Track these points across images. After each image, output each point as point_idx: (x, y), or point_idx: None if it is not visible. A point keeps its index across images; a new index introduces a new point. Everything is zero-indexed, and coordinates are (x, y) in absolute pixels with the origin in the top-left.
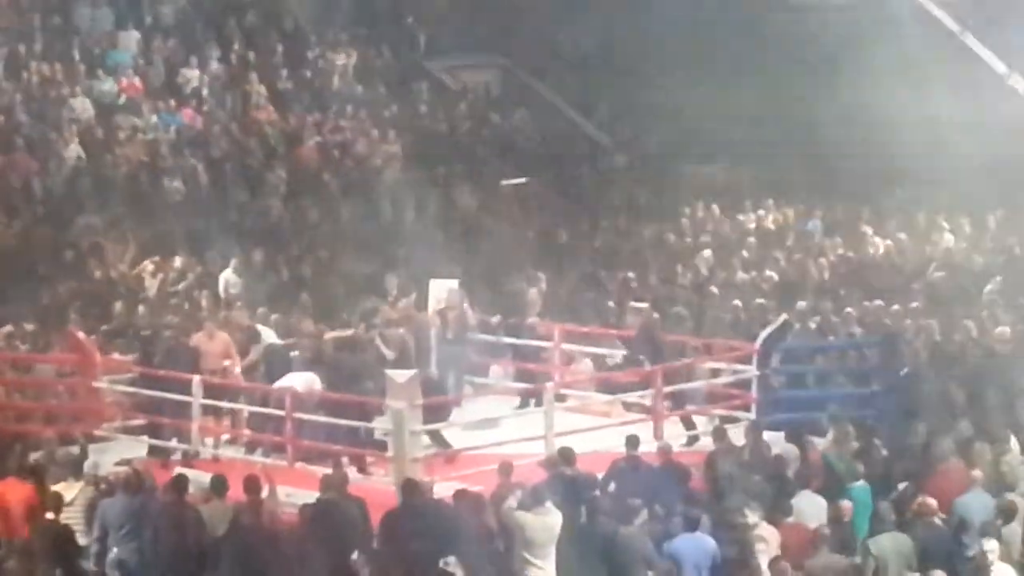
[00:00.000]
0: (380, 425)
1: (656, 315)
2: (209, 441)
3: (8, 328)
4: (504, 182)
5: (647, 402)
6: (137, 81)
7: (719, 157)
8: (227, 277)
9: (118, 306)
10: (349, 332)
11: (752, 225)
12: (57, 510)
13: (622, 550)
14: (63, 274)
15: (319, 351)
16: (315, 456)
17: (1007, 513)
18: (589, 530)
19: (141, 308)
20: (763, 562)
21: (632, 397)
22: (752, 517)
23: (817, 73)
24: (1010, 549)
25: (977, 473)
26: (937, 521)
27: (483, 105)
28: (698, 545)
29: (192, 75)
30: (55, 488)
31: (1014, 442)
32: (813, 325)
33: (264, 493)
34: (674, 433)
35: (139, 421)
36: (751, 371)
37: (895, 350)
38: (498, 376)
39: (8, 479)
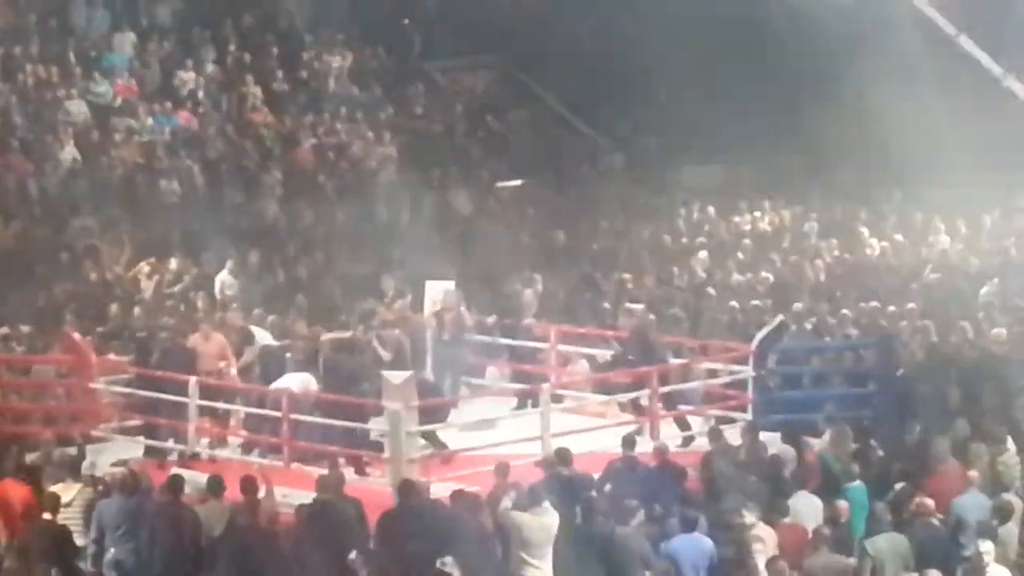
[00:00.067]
0: (376, 426)
1: (652, 316)
2: (205, 442)
3: (4, 330)
4: (500, 184)
5: (643, 403)
6: (133, 83)
7: (716, 158)
8: (223, 278)
9: (114, 308)
10: (346, 333)
11: (748, 227)
12: (54, 511)
13: (619, 550)
14: (59, 276)
15: (313, 352)
16: (311, 457)
17: (1004, 513)
18: (586, 530)
19: (137, 310)
20: (760, 562)
21: (628, 398)
22: (749, 517)
23: (814, 75)
24: (1006, 549)
25: (974, 473)
26: (934, 522)
27: (479, 106)
28: (695, 545)
29: (188, 77)
30: (53, 489)
31: (1010, 443)
32: (809, 326)
33: (261, 494)
34: (670, 433)
35: (135, 422)
36: (747, 372)
37: (891, 351)
38: (495, 377)
39: (5, 480)
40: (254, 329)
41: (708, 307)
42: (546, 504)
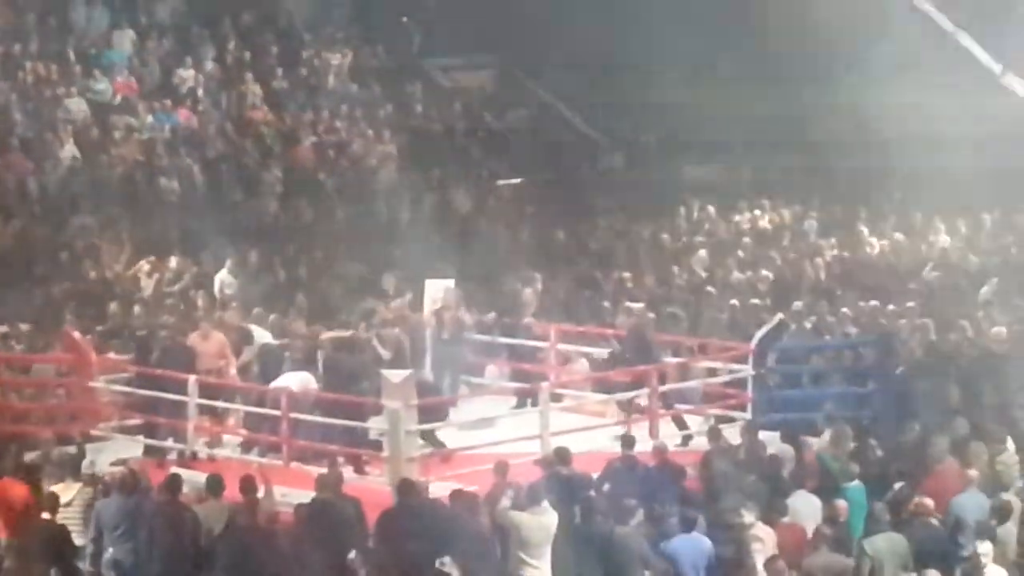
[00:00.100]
0: (375, 425)
1: (652, 315)
2: (204, 441)
3: (3, 328)
4: (500, 182)
5: (642, 402)
6: (132, 81)
7: (715, 157)
8: (222, 277)
9: (113, 306)
10: (345, 332)
11: (747, 225)
12: (53, 510)
13: (619, 550)
14: (59, 274)
15: (311, 351)
16: (310, 456)
17: (1003, 513)
18: (585, 530)
19: (137, 308)
20: (759, 562)
21: (626, 397)
22: (748, 517)
23: (814, 73)
24: (1005, 549)
25: (973, 473)
26: (933, 521)
27: (478, 105)
28: (695, 545)
29: (187, 75)
30: (53, 488)
31: (1010, 442)
32: (809, 325)
33: (260, 493)
34: (669, 432)
35: (135, 421)
36: (747, 371)
37: (891, 350)
38: (494, 376)
39: (4, 479)
40: (253, 328)
41: (708, 306)
42: (545, 503)
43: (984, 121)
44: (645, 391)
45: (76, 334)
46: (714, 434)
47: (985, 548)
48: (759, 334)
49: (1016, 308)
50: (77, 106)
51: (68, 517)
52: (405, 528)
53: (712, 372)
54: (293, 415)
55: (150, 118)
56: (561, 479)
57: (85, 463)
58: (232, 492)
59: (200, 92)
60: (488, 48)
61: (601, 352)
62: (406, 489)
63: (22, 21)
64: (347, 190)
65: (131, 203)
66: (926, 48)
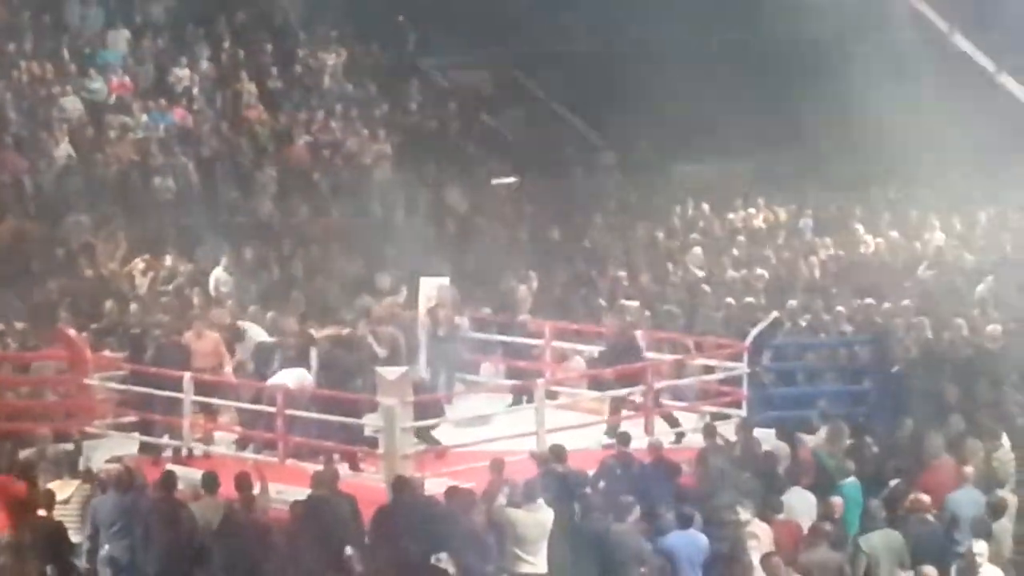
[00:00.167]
0: (371, 422)
1: (647, 313)
2: (200, 438)
3: None
4: (495, 181)
5: (636, 399)
6: (127, 80)
7: (710, 155)
8: (217, 275)
9: (108, 304)
10: (342, 330)
11: (742, 223)
12: (49, 507)
13: (615, 547)
14: (54, 272)
15: (304, 349)
16: (306, 453)
17: (997, 509)
18: (582, 527)
19: (132, 306)
20: (755, 559)
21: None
22: (744, 514)
23: (809, 72)
24: (1001, 546)
25: (969, 469)
26: (929, 518)
27: (474, 103)
28: (691, 542)
29: (182, 74)
30: (50, 486)
31: (1005, 439)
32: (804, 323)
33: (255, 490)
34: (665, 429)
35: (131, 418)
36: (742, 368)
37: (886, 348)
38: (489, 373)
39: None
40: (248, 326)
41: (703, 304)
42: (540, 500)
43: (979, 119)
44: (640, 388)
45: (71, 332)
46: (709, 431)
47: (980, 548)
48: (754, 332)
49: (1011, 306)
50: (72, 105)
51: (66, 514)
52: (400, 525)
53: (708, 369)
54: (289, 412)
55: (145, 117)
56: (556, 476)
57: (80, 460)
58: (227, 489)
59: (195, 91)
60: (484, 47)
61: (595, 350)
62: (401, 486)
63: (17, 20)
64: (342, 189)
65: (126, 202)
66: (921, 47)
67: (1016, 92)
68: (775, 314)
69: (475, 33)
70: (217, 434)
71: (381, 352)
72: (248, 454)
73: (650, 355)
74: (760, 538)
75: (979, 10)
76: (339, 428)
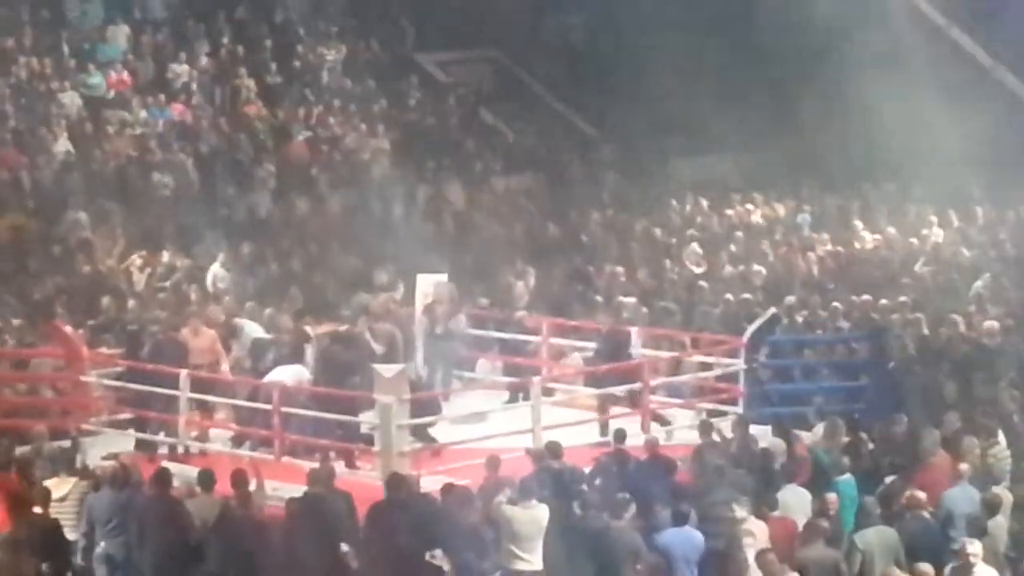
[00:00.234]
0: (367, 419)
1: (644, 309)
2: (194, 435)
3: None
4: (493, 176)
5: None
6: (126, 75)
7: (708, 151)
8: (215, 271)
9: (105, 301)
10: (340, 326)
11: (740, 219)
12: (45, 504)
13: (613, 544)
14: (52, 269)
15: (299, 346)
16: (302, 450)
17: (992, 506)
18: (578, 524)
19: (129, 303)
20: (750, 556)
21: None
22: (740, 511)
23: (806, 67)
24: (996, 543)
25: (965, 466)
26: (925, 515)
27: (472, 99)
28: (687, 539)
29: (181, 69)
30: (47, 483)
31: (1001, 435)
32: (801, 319)
33: (251, 487)
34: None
35: (127, 415)
36: (739, 365)
37: (883, 344)
38: (486, 370)
39: None
40: (246, 323)
41: (700, 300)
42: (536, 497)
43: (975, 114)
44: (633, 386)
45: (67, 328)
46: (705, 428)
47: (975, 548)
48: (751, 328)
49: (1008, 302)
50: (71, 100)
51: (63, 512)
52: (394, 522)
53: (705, 366)
54: (285, 409)
55: (144, 113)
56: (553, 473)
57: (77, 457)
58: (223, 486)
59: (194, 87)
60: (482, 42)
61: (592, 347)
62: (395, 484)
63: (16, 15)
64: (340, 184)
65: (124, 197)
66: (917, 41)
67: (1014, 87)
68: (772, 310)
69: (473, 29)
70: (213, 431)
71: (378, 349)
72: (244, 451)
73: (646, 351)
74: (756, 535)
75: (976, 5)
76: (335, 425)
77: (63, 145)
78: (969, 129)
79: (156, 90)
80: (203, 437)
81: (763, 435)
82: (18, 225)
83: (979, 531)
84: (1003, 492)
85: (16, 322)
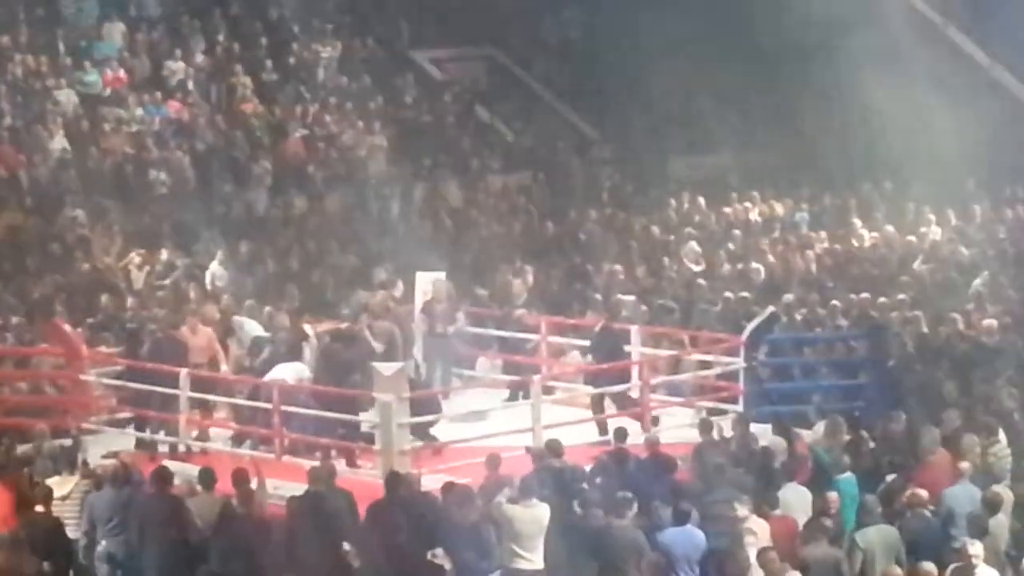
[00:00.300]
0: (367, 418)
1: (643, 307)
2: (195, 434)
3: None
4: (490, 174)
5: (632, 394)
6: (122, 73)
7: (705, 149)
8: (213, 269)
9: (104, 299)
10: (340, 324)
11: (738, 217)
12: (46, 503)
13: (615, 543)
14: (50, 267)
15: (296, 344)
16: (303, 449)
17: (992, 504)
18: (580, 523)
19: (128, 301)
20: (752, 555)
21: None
22: (741, 510)
23: (804, 66)
24: (997, 541)
25: (965, 465)
26: (926, 513)
27: (469, 96)
28: (687, 538)
29: (177, 67)
30: (49, 482)
31: (1001, 434)
32: (799, 317)
33: (252, 485)
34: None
35: (126, 414)
36: (738, 363)
37: (882, 342)
38: (485, 368)
39: None
40: (245, 321)
41: (699, 298)
42: (536, 496)
43: (972, 112)
44: (629, 385)
45: (66, 326)
46: (705, 427)
47: (976, 549)
48: (750, 326)
49: (1007, 300)
50: (67, 98)
51: (65, 510)
52: (395, 521)
53: (704, 365)
54: (285, 408)
55: (140, 110)
56: (553, 472)
57: (78, 456)
58: (224, 485)
59: (190, 84)
60: (478, 40)
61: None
62: (394, 482)
63: (12, 12)
64: (337, 182)
65: (121, 195)
66: (914, 40)
67: (1011, 86)
68: (771, 309)
69: (469, 26)
70: (213, 430)
71: (378, 347)
72: (245, 450)
73: (645, 350)
74: (757, 534)
75: (974, 5)
76: (336, 424)
77: (59, 143)
78: (967, 127)
79: (152, 87)
80: (203, 436)
81: (763, 433)
82: (15, 224)
83: (980, 530)
84: (1004, 490)
85: (15, 320)
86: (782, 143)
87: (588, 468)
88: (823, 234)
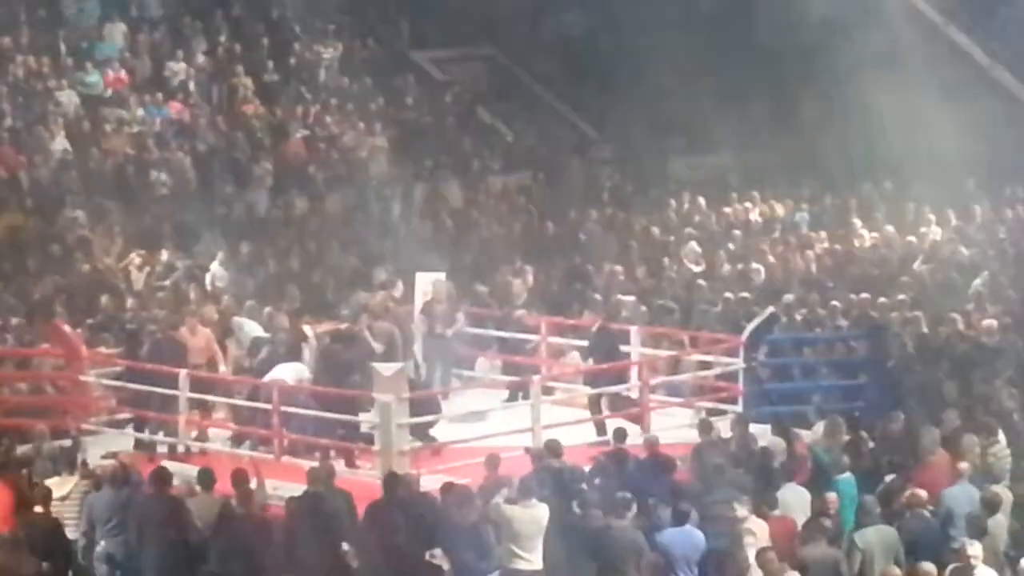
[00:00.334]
0: (367, 418)
1: (643, 308)
2: (194, 434)
3: None
4: (491, 175)
5: (633, 395)
6: (123, 74)
7: (706, 149)
8: (214, 270)
9: (104, 300)
10: (340, 325)
11: (738, 218)
12: (45, 504)
13: (615, 544)
14: (50, 268)
15: (295, 345)
16: (302, 449)
17: (991, 505)
18: (580, 523)
19: (128, 302)
20: (751, 555)
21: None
22: (741, 510)
23: (803, 65)
24: (996, 542)
25: (964, 465)
26: (925, 513)
27: (470, 97)
28: (687, 538)
29: (179, 68)
30: (49, 482)
31: (1001, 434)
32: (799, 318)
33: (252, 486)
34: (661, 426)
35: (126, 415)
36: (738, 364)
37: (882, 343)
38: (485, 369)
39: None
40: (244, 321)
41: (699, 298)
42: (536, 496)
43: (972, 113)
44: (627, 385)
45: (66, 327)
46: (705, 427)
47: (975, 550)
48: (750, 327)
49: (1007, 300)
50: (68, 99)
51: (65, 510)
52: (394, 521)
53: (704, 365)
54: (284, 408)
55: (141, 111)
56: (552, 472)
57: (78, 457)
58: (223, 486)
59: (191, 85)
60: (479, 40)
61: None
62: (392, 483)
63: (13, 13)
64: (338, 183)
65: (122, 196)
66: (914, 40)
67: (1011, 86)
68: (771, 309)
69: (470, 27)
70: (212, 430)
71: (378, 348)
72: (244, 451)
73: (645, 350)
74: (756, 534)
75: (974, 4)
76: (335, 424)
77: (60, 144)
78: (967, 127)
79: (153, 88)
80: (203, 436)
81: (762, 434)
82: (16, 224)
83: (979, 530)
84: (1003, 491)
85: (15, 321)
86: (782, 143)
87: (587, 468)
88: (823, 234)
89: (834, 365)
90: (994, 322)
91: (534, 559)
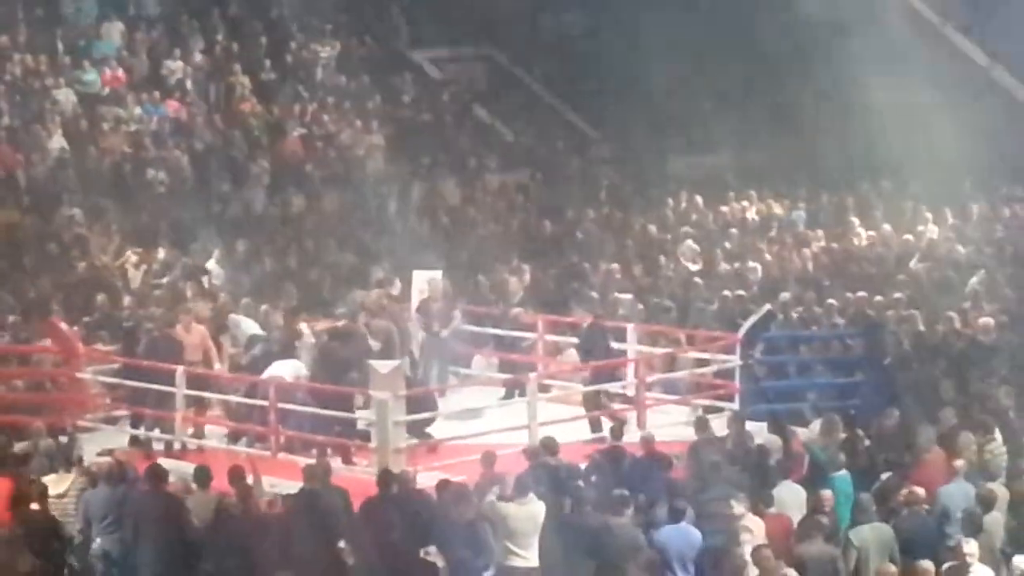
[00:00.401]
0: (363, 416)
1: (640, 306)
2: (191, 431)
3: None
4: (488, 173)
5: (629, 392)
6: (121, 72)
7: (703, 148)
8: (210, 268)
9: (100, 298)
10: (337, 323)
11: (735, 216)
12: (41, 501)
13: (613, 541)
14: (47, 266)
15: (290, 342)
16: (299, 446)
17: (988, 503)
18: (576, 521)
19: (124, 299)
20: (747, 552)
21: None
22: (737, 508)
23: (802, 65)
24: (992, 539)
25: (960, 463)
26: (921, 511)
27: (467, 96)
28: (683, 536)
29: (176, 66)
30: (46, 479)
31: (997, 432)
32: (796, 316)
33: (248, 483)
34: (658, 423)
35: (122, 412)
36: (735, 361)
37: (878, 341)
38: (481, 366)
39: None
40: (241, 319)
41: (696, 296)
42: (532, 494)
43: (970, 112)
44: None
45: (63, 325)
46: (701, 424)
47: (972, 548)
48: (746, 325)
49: (1003, 299)
50: (65, 97)
51: (63, 507)
52: (387, 518)
53: (700, 363)
54: (281, 405)
55: (138, 109)
56: (548, 469)
57: (74, 454)
58: (220, 483)
59: (188, 83)
60: (477, 39)
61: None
62: (387, 480)
63: (10, 12)
64: (335, 181)
65: (119, 194)
66: (912, 40)
67: (1009, 86)
68: (767, 307)
69: (468, 26)
70: (209, 427)
71: (375, 345)
72: (240, 448)
73: (642, 348)
74: (753, 532)
75: (972, 4)
76: (332, 421)
77: (58, 142)
78: (965, 127)
79: (151, 87)
80: (199, 433)
81: (759, 431)
82: (13, 222)
83: (975, 527)
84: (999, 488)
85: (12, 319)
86: (781, 143)
87: (583, 466)
88: (820, 233)
89: (830, 363)
90: (990, 320)
91: (530, 556)
